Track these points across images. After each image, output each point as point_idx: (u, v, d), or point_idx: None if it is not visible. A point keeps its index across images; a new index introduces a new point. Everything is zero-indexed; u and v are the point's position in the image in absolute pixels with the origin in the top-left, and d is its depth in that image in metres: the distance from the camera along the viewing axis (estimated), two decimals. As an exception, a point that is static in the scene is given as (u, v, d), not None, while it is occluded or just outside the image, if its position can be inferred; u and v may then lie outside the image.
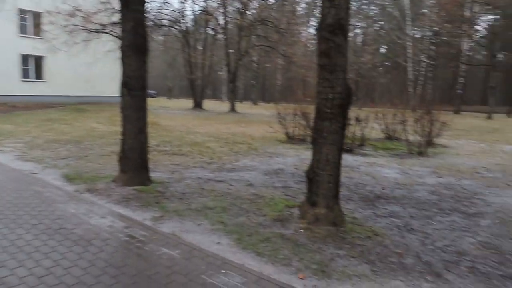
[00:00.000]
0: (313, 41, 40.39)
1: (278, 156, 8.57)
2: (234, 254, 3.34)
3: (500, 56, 35.14)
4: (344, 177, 5.67)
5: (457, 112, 31.35)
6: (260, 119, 19.39)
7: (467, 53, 36.77)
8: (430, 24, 35.68)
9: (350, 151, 9.34)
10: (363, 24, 49.94)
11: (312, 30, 46.01)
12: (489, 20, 37.99)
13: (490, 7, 30.37)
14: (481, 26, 39.10)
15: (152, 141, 8.39)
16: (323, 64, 3.77)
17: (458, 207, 5.03)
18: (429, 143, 10.06)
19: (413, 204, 5.12)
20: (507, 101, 39.98)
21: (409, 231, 4.08)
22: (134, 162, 5.44)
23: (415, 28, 41.04)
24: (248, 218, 4.23)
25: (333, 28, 3.67)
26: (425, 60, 40.30)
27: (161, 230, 3.82)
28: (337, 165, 3.95)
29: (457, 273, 3.14)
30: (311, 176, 3.99)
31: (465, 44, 34.97)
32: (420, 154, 9.52)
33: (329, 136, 3.85)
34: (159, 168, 6.65)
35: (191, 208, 4.54)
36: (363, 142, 10.19)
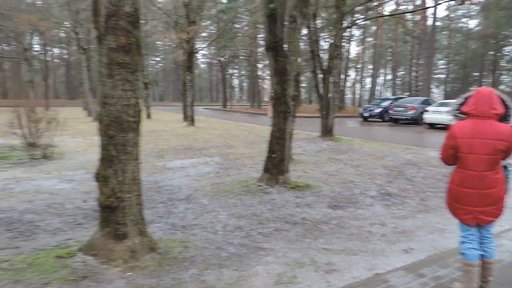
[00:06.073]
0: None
1: None
2: None
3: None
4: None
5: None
6: None
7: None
8: None
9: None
10: None
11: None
12: None
13: None
14: None
15: None
16: (122, 62, 2.97)
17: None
18: (36, 144, 8.98)
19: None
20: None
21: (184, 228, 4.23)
22: None
23: None
24: None
25: (134, 20, 2.99)
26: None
27: None
28: (140, 182, 3.34)
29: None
30: (115, 204, 3.11)
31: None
32: (46, 157, 8.58)
33: (134, 150, 3.17)
34: None
35: None
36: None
